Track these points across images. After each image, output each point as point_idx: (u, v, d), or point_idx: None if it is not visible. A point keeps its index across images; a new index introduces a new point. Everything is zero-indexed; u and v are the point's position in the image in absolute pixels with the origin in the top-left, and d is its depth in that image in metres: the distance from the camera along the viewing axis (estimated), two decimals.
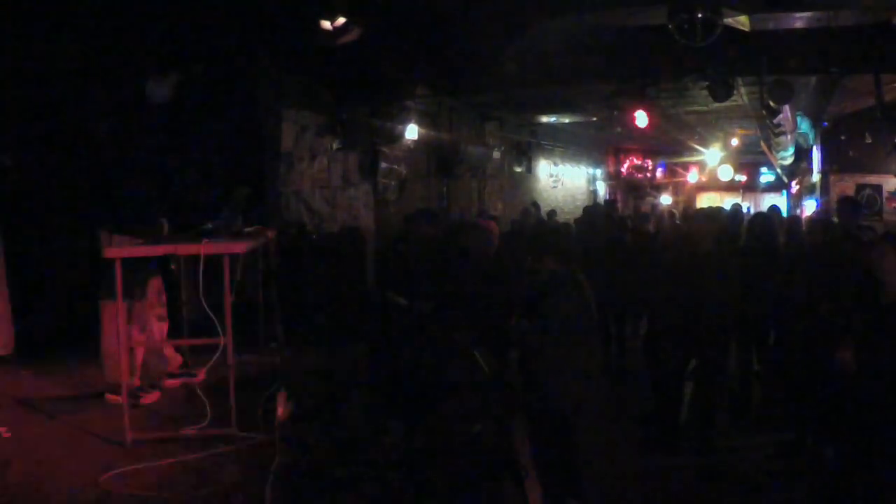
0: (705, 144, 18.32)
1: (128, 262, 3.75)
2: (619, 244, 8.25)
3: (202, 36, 5.89)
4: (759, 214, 8.40)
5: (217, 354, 3.80)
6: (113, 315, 3.83)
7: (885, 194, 11.41)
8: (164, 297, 4.27)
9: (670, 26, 6.04)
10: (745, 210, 13.02)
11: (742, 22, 6.49)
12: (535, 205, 12.38)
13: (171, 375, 4.26)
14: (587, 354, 4.34)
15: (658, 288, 6.33)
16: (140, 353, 3.97)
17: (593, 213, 10.60)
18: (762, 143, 14.53)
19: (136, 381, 3.91)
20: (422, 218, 6.54)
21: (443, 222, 9.26)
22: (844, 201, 7.14)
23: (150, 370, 4.12)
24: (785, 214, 11.86)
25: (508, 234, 8.62)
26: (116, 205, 4.00)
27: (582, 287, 4.41)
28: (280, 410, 3.53)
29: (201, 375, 4.16)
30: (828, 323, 4.90)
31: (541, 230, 7.61)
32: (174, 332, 4.36)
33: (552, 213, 12.84)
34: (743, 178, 21.26)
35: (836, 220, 6.82)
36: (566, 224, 9.54)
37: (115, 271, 3.64)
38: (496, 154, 12.58)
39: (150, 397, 3.92)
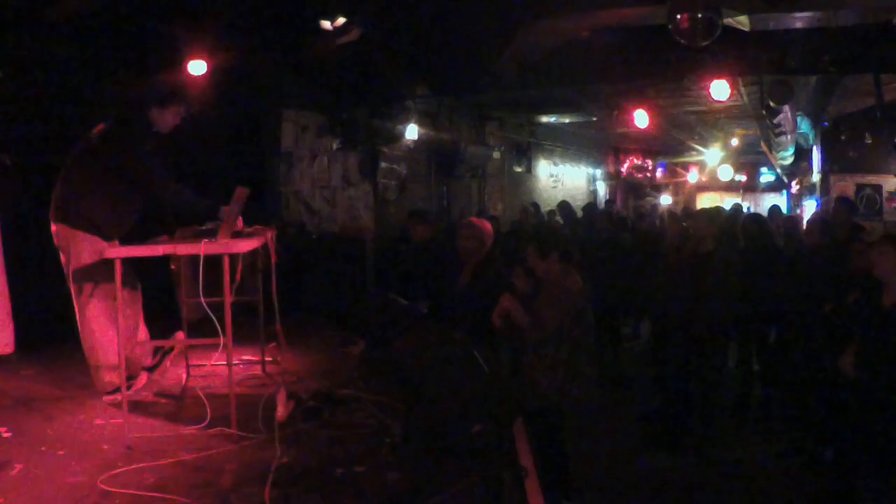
0: (705, 144, 18.32)
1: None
2: (619, 244, 8.25)
3: (203, 36, 5.89)
4: (750, 216, 8.35)
5: (217, 354, 3.80)
6: (96, 314, 3.93)
7: (885, 194, 11.40)
8: (139, 295, 4.26)
9: (670, 26, 6.05)
10: (745, 210, 13.02)
11: (742, 22, 6.49)
12: (535, 205, 12.36)
13: (148, 369, 4.28)
14: (578, 354, 4.33)
15: (660, 288, 6.34)
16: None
17: (592, 212, 10.61)
18: (762, 143, 14.54)
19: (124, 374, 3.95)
20: (417, 218, 6.55)
21: (442, 222, 9.26)
22: (840, 201, 7.05)
23: (131, 364, 4.14)
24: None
25: (508, 234, 8.62)
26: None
27: (571, 288, 4.39)
28: (280, 410, 3.53)
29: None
30: (830, 324, 4.90)
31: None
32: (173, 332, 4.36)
33: (552, 213, 12.83)
34: (743, 178, 21.26)
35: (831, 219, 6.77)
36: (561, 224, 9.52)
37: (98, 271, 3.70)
38: (496, 154, 12.58)
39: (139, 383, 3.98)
